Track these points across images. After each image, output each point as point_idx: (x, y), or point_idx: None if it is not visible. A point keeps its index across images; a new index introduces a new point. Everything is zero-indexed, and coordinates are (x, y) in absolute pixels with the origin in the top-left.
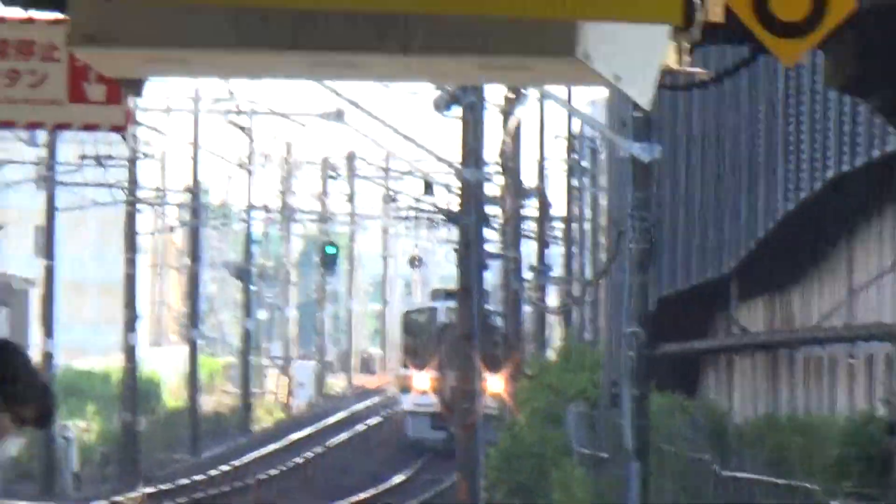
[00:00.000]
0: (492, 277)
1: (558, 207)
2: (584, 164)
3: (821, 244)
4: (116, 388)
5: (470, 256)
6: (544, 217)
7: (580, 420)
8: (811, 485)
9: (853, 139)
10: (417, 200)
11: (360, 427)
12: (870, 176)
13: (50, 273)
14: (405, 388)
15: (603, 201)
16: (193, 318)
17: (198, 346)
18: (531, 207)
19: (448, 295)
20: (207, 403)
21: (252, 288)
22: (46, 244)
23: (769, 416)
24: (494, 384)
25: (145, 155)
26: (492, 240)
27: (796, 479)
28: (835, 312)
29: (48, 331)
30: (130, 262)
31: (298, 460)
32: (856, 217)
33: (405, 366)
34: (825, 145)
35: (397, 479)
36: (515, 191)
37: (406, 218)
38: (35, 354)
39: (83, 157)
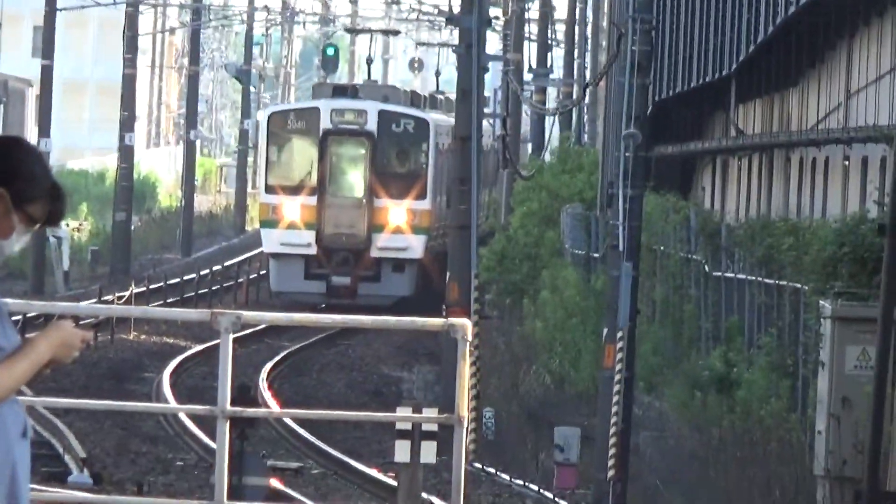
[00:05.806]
0: (491, 80)
1: (561, 10)
2: None
3: (820, 47)
4: (111, 188)
5: (470, 59)
6: (547, 19)
7: (575, 221)
8: (801, 285)
9: None
10: (420, 2)
11: None
12: None
13: (48, 73)
14: (269, 222)
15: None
16: (191, 118)
17: (195, 146)
18: (533, 10)
19: (336, 90)
20: (203, 204)
21: (251, 89)
22: (45, 44)
23: (762, 218)
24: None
25: None
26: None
27: (786, 279)
28: (832, 114)
29: (44, 130)
30: (130, 63)
31: None
32: (855, 20)
33: (270, 189)
34: None
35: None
36: None
37: (408, 20)
38: None
39: None
